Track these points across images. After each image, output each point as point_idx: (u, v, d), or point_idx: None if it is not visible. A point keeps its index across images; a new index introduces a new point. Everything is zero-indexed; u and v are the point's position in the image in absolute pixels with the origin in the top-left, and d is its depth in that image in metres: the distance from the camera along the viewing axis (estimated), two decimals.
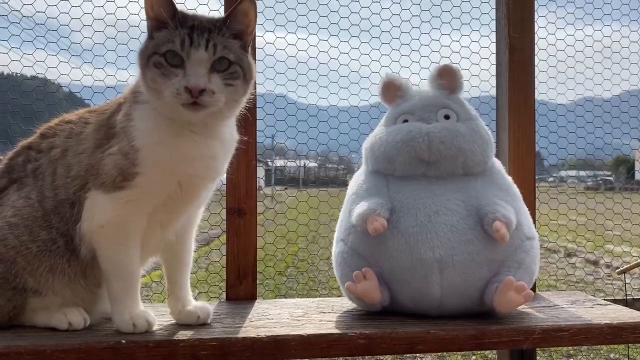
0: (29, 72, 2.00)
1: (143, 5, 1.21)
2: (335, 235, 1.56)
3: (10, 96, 2.03)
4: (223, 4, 1.72)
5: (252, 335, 1.26)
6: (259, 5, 1.76)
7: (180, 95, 1.15)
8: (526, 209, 1.54)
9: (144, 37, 1.24)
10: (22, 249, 1.26)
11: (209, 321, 1.37)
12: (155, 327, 1.28)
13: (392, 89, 1.60)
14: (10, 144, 1.53)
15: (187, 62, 1.16)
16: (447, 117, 1.51)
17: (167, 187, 1.25)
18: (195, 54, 1.15)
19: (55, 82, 2.13)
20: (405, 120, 1.53)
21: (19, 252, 1.26)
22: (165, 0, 1.19)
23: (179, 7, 1.21)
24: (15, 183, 1.33)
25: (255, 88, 1.67)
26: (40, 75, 2.04)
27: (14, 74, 2.05)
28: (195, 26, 1.18)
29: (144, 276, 1.47)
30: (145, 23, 1.23)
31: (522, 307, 1.49)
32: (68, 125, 1.34)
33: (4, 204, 1.31)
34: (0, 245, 1.27)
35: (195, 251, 1.45)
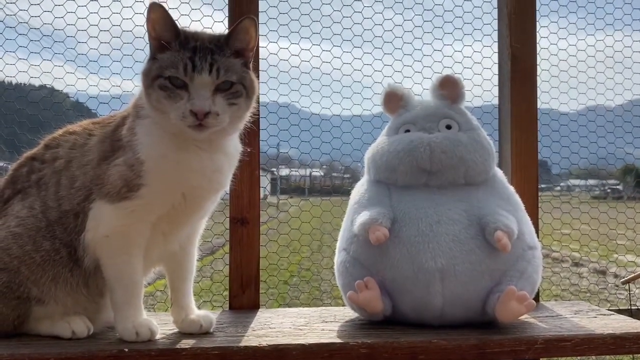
0: (36, 83, 2.03)
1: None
2: (338, 244, 1.57)
3: (17, 106, 2.06)
4: (227, 15, 1.74)
5: (254, 345, 1.26)
6: (263, 17, 1.79)
7: (186, 118, 1.17)
8: (528, 218, 1.54)
9: (148, 49, 1.25)
10: (26, 259, 1.27)
11: (211, 330, 1.37)
12: (158, 336, 1.29)
13: (394, 99, 1.61)
14: (17, 153, 1.55)
15: (191, 86, 1.17)
16: (448, 127, 1.52)
17: (171, 198, 1.26)
18: (199, 78, 1.17)
19: (62, 92, 2.15)
20: (407, 130, 1.54)
21: (22, 261, 1.27)
22: (167, 21, 1.21)
23: (184, 19, 1.24)
24: (19, 194, 1.34)
25: (258, 101, 1.68)
26: (47, 86, 2.06)
27: (21, 84, 2.07)
28: (197, 47, 1.19)
29: (148, 285, 1.48)
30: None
31: (525, 317, 1.49)
32: (72, 137, 1.36)
33: (8, 214, 1.32)
34: (4, 255, 1.28)
35: (199, 260, 1.46)
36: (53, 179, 1.32)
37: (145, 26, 1.22)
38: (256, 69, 1.71)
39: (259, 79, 1.71)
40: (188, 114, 1.16)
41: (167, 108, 1.18)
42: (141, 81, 1.23)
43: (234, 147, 1.34)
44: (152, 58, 1.22)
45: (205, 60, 1.18)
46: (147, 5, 1.22)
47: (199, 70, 1.17)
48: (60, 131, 1.40)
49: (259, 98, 1.59)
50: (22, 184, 1.35)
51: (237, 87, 1.21)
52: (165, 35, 1.20)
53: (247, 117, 1.30)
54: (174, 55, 1.19)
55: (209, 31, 1.29)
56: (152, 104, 1.21)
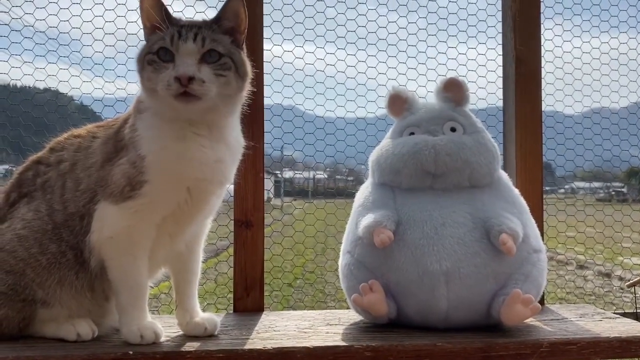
0: (41, 85, 2.04)
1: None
2: (342, 247, 1.57)
3: (23, 109, 2.06)
4: None
5: (259, 347, 1.27)
6: (267, 20, 1.80)
7: (171, 86, 1.17)
8: (533, 221, 1.54)
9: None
10: (32, 261, 1.28)
11: (216, 333, 1.37)
12: (162, 339, 1.29)
13: (398, 102, 1.61)
14: (22, 156, 1.56)
15: (177, 56, 1.19)
16: (453, 129, 1.52)
17: (175, 194, 1.26)
18: (184, 46, 1.18)
19: (67, 95, 2.16)
20: (412, 133, 1.54)
21: (28, 264, 1.28)
22: (158, 7, 1.23)
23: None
24: (25, 197, 1.35)
25: (263, 98, 1.69)
26: (52, 88, 2.07)
27: (27, 87, 2.08)
28: (186, 24, 1.22)
29: (153, 287, 1.48)
30: None
31: (530, 320, 1.49)
32: (77, 140, 1.36)
33: (14, 217, 1.33)
34: (10, 258, 1.28)
35: (203, 262, 1.46)
36: (58, 182, 1.32)
37: (140, 19, 1.25)
38: (260, 72, 1.72)
39: (263, 81, 1.72)
40: (172, 81, 1.17)
41: (155, 83, 1.19)
42: (135, 68, 1.25)
43: (235, 138, 1.34)
44: (146, 43, 1.25)
45: (191, 31, 1.20)
46: None
47: (184, 38, 1.18)
48: (65, 135, 1.41)
49: (263, 94, 1.58)
50: (28, 187, 1.36)
51: (225, 60, 1.21)
52: (157, 20, 1.22)
53: (241, 99, 1.30)
54: (164, 32, 1.21)
55: None
56: (144, 84, 1.23)
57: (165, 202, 1.26)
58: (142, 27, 1.26)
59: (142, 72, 1.22)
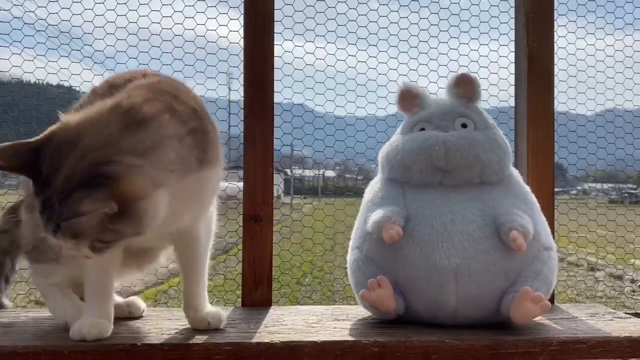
0: (53, 79, 2.05)
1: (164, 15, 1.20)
2: (351, 243, 1.56)
3: (35, 103, 2.08)
4: (243, 13, 1.75)
5: (266, 341, 1.27)
6: (278, 14, 1.80)
7: None
8: (544, 218, 1.52)
9: (165, 45, 1.24)
10: None
11: (221, 327, 1.37)
12: (170, 331, 1.29)
13: (409, 98, 1.60)
14: None
15: None
16: (464, 125, 1.51)
17: None
18: None
19: (79, 89, 2.17)
20: (422, 129, 1.53)
21: None
22: None
23: (200, 16, 1.23)
24: None
25: (273, 93, 1.69)
26: (63, 82, 2.08)
27: (39, 81, 2.09)
28: None
29: (164, 282, 1.48)
30: (166, 31, 1.22)
31: (540, 319, 1.48)
32: None
33: None
34: None
35: (212, 259, 1.46)
36: None
37: (164, 17, 1.20)
38: (271, 67, 1.72)
39: (273, 77, 1.73)
40: None
41: None
42: None
43: None
44: None
45: None
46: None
47: None
48: None
49: (272, 90, 1.57)
50: None
51: None
52: None
53: None
54: None
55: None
56: None
57: None
58: (166, 26, 1.21)
59: None
